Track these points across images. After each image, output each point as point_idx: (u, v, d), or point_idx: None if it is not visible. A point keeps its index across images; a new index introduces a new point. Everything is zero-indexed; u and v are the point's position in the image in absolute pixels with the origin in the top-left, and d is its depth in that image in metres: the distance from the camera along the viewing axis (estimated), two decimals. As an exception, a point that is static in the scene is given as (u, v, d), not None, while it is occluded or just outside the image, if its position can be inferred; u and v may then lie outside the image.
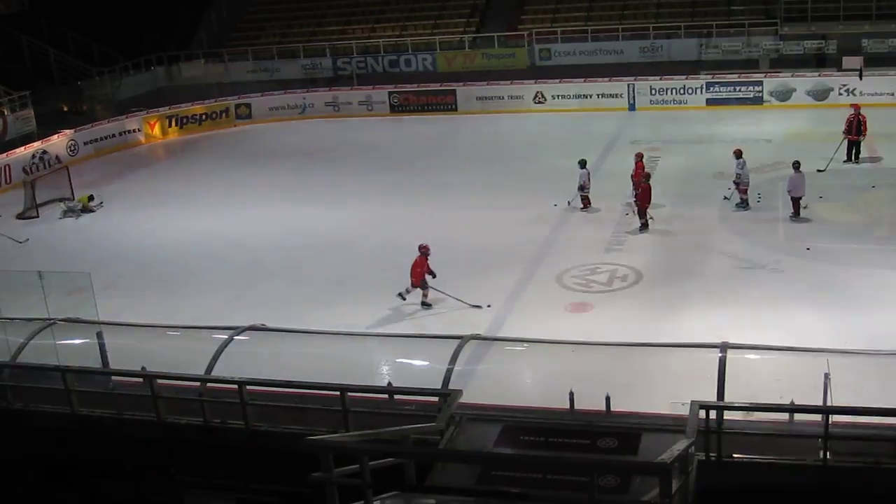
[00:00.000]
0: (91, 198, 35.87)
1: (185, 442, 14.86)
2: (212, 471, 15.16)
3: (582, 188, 30.62)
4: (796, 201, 28.37)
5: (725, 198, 30.08)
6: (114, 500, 15.97)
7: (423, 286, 24.07)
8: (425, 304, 24.06)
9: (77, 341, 17.96)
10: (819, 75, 43.60)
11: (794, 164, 28.55)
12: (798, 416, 12.71)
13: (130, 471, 15.64)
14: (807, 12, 46.05)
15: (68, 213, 35.04)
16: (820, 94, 42.95)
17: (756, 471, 12.24)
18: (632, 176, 30.33)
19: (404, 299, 23.99)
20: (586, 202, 30.74)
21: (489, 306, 23.53)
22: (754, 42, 47.14)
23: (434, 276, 24.01)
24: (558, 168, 34.17)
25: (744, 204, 29.54)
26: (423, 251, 24.24)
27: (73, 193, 36.83)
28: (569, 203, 30.81)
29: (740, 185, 29.55)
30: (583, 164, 30.67)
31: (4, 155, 40.33)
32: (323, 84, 52.23)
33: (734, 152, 29.87)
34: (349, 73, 52.87)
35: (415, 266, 24.02)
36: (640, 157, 31.13)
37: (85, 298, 19.77)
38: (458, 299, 23.75)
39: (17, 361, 16.45)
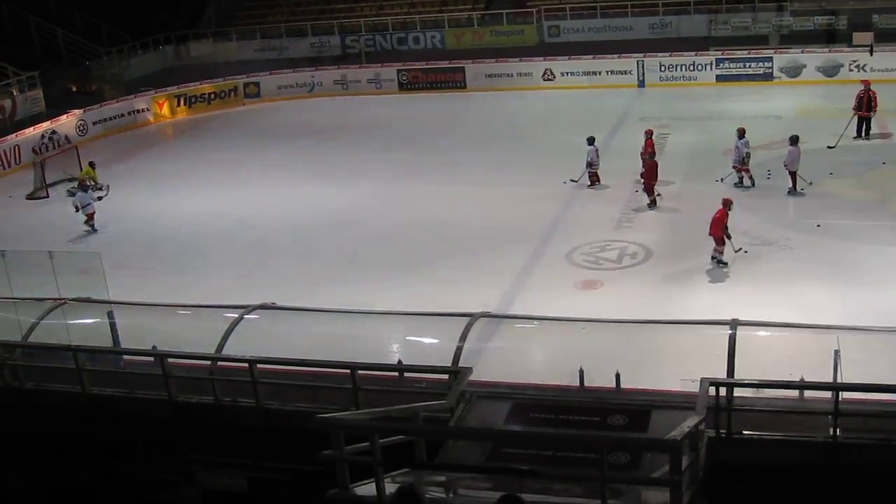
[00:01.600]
0: (92, 165, 35.44)
1: (196, 420, 14.90)
2: (223, 449, 15.18)
3: (590, 164, 30.56)
4: (794, 175, 28.32)
5: (720, 180, 29.85)
6: (125, 479, 16.02)
7: (720, 242, 23.92)
8: (719, 262, 23.95)
9: (88, 321, 18.01)
10: (829, 51, 43.38)
11: (791, 138, 28.49)
12: (808, 393, 12.69)
13: (141, 449, 15.68)
14: (817, -12, 45.91)
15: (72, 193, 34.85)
16: (830, 70, 42.75)
17: (766, 447, 12.24)
18: (641, 153, 30.24)
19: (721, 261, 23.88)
20: (595, 178, 30.69)
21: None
22: (764, 18, 46.94)
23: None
24: (568, 145, 34.08)
25: (741, 182, 29.49)
26: (726, 204, 24.14)
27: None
28: (573, 181, 30.85)
29: (743, 164, 29.38)
30: (591, 140, 30.61)
31: (14, 135, 40.43)
32: (331, 62, 52.15)
33: (738, 131, 29.66)
34: (357, 51, 52.81)
35: (715, 220, 23.96)
36: (649, 133, 31.00)
37: (95, 278, 19.83)
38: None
39: (29, 341, 16.48)
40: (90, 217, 29.98)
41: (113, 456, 15.90)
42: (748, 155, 29.27)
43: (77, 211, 29.73)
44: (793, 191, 28.34)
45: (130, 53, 52.51)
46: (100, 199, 29.49)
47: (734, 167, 29.54)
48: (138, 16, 54.83)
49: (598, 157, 30.79)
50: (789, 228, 26.08)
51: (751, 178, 29.41)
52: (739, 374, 12.69)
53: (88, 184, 33.06)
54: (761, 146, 32.19)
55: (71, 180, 35.57)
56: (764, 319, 15.02)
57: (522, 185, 31.55)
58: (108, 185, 30.78)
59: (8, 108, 42.58)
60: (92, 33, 52.37)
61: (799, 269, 23.26)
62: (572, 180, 30.60)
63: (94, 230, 29.78)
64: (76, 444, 16.07)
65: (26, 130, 41.07)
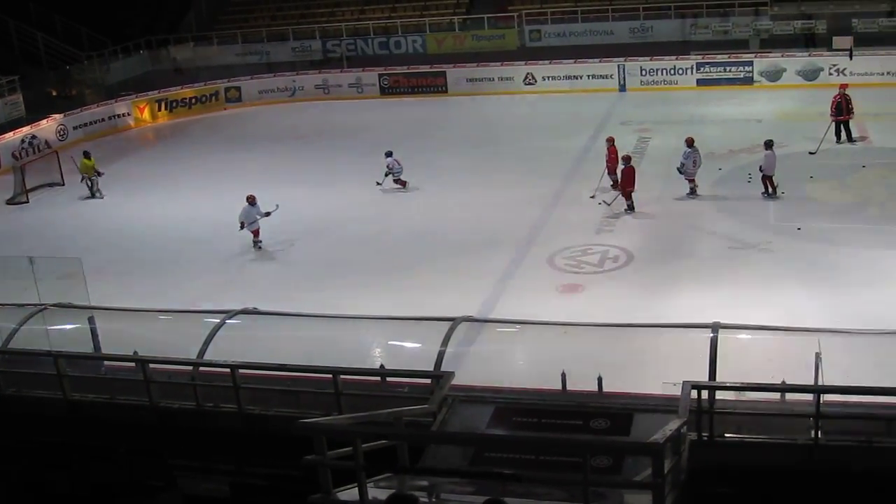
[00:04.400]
0: (87, 155, 35.68)
1: (178, 426, 14.87)
2: (205, 454, 15.15)
3: (391, 171, 32.56)
4: (769, 179, 28.43)
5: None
6: (107, 485, 15.96)
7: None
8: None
9: (69, 326, 17.94)
10: (809, 55, 43.56)
11: (766, 142, 28.64)
12: (789, 396, 12.74)
13: (123, 455, 15.62)
14: (797, -8, 46.10)
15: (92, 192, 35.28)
16: (810, 74, 42.93)
17: (748, 450, 12.27)
18: (607, 161, 30.32)
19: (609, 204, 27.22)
20: (401, 183, 32.61)
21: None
22: (744, 22, 47.16)
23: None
24: (549, 149, 34.17)
25: (692, 193, 29.42)
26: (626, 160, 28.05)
27: (62, 178, 36.84)
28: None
29: (685, 173, 29.37)
30: (389, 153, 32.95)
31: (-7, 140, 40.25)
32: (312, 66, 52.10)
33: (686, 140, 29.61)
34: (339, 56, 52.80)
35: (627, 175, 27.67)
36: (611, 141, 30.82)
37: (76, 284, 19.77)
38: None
39: (9, 347, 16.41)
40: (256, 234, 28.13)
41: (94, 462, 15.84)
42: (683, 164, 29.36)
43: (242, 228, 27.86)
44: (767, 194, 28.42)
45: (111, 58, 52.41)
46: (268, 214, 27.90)
47: (683, 175, 29.50)
48: (119, 20, 54.75)
49: (399, 165, 32.45)
50: (769, 231, 26.15)
51: (693, 188, 29.47)
52: (721, 378, 12.73)
53: (93, 177, 34.75)
54: (742, 150, 32.33)
55: (97, 174, 35.46)
56: (745, 322, 15.09)
57: (504, 190, 31.56)
58: (277, 204, 28.35)
59: (-12, 113, 42.44)
60: (72, 37, 52.27)
61: (779, 271, 23.35)
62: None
63: (260, 247, 28.10)
64: (57, 451, 16.00)
65: (6, 135, 40.86)
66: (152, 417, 14.88)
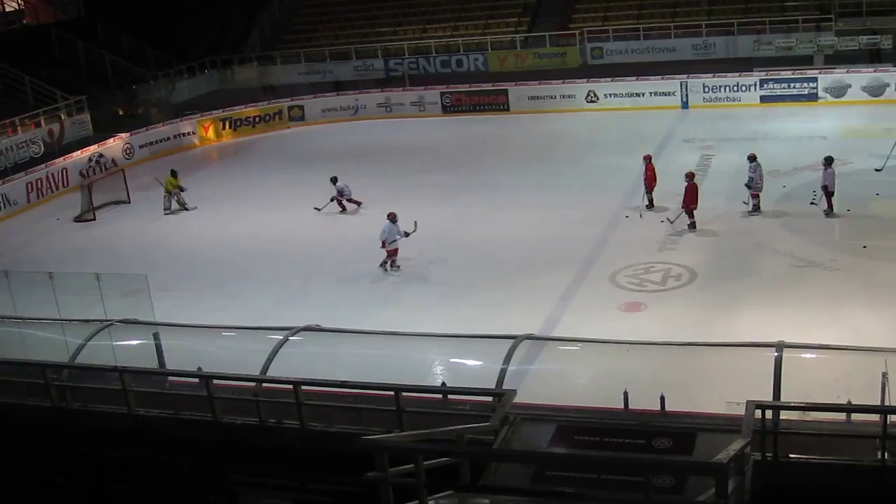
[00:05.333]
0: (174, 174, 36.70)
1: (241, 441, 14.98)
2: (267, 470, 15.27)
3: (341, 194, 33.50)
4: (829, 197, 28.13)
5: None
6: (170, 500, 16.13)
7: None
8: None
9: (134, 342, 18.18)
10: (875, 71, 43.04)
11: (825, 159, 28.27)
12: (855, 416, 12.58)
13: (187, 470, 15.78)
14: (862, 7, 45.44)
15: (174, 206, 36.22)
16: (875, 90, 42.42)
17: (812, 471, 12.14)
18: (644, 178, 30.37)
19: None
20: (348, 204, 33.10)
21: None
22: (808, 38, 46.67)
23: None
24: (611, 167, 34.07)
25: (756, 209, 29.16)
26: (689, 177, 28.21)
27: (129, 196, 37.41)
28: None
29: (753, 188, 29.17)
30: (334, 179, 33.86)
31: (62, 159, 40.92)
32: (375, 85, 52.40)
33: (748, 156, 29.50)
34: (401, 74, 53.00)
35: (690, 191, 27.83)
36: (648, 159, 30.84)
37: (142, 300, 20.01)
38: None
39: (76, 362, 16.66)
40: (392, 254, 27.27)
41: (158, 476, 16.03)
42: (750, 179, 29.16)
43: (382, 247, 27.19)
44: (828, 212, 28.09)
45: (176, 77, 53.04)
46: (407, 235, 27.18)
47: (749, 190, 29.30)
48: (184, 40, 55.47)
49: (348, 188, 33.72)
50: (835, 249, 25.87)
51: (757, 204, 29.20)
52: (785, 397, 12.61)
53: (173, 191, 35.88)
54: (806, 167, 32.01)
55: (180, 190, 36.47)
56: (810, 342, 14.92)
57: (566, 207, 31.50)
58: (415, 222, 27.71)
59: (56, 132, 43.12)
60: (139, 58, 53.07)
61: (845, 290, 23.05)
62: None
63: (395, 269, 27.23)
64: (121, 465, 16.22)
65: (74, 154, 41.57)
66: (215, 433, 15.01)
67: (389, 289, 26.08)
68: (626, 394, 13.55)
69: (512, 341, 14.82)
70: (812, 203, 28.98)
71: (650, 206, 30.10)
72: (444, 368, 15.92)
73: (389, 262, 27.24)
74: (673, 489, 11.24)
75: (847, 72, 43.32)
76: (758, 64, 45.90)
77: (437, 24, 55.55)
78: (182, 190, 36.31)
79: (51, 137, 42.69)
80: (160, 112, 49.56)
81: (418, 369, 15.71)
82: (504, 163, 38.83)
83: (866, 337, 18.63)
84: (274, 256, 29.54)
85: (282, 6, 60.22)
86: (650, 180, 30.17)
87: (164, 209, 35.86)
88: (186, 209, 35.91)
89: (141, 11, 53.29)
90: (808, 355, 14.56)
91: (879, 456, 11.90)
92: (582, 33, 50.89)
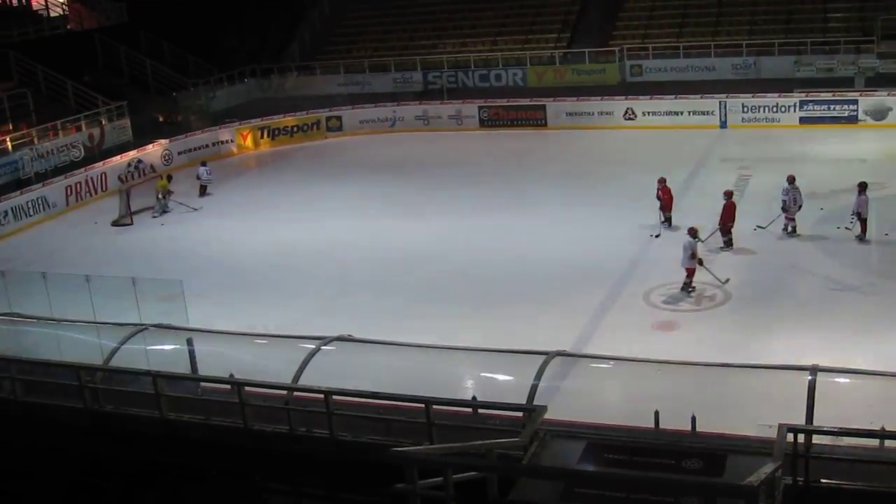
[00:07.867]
0: (169, 178, 38.11)
1: (271, 449, 15.02)
2: (296, 479, 15.30)
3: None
4: (864, 222, 27.89)
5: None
6: (198, 504, 16.21)
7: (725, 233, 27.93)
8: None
9: (168, 347, 18.28)
10: (916, 94, 42.74)
11: (859, 185, 27.99)
12: (889, 443, 12.47)
13: (216, 476, 15.85)
14: (905, 30, 45.26)
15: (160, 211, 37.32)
16: (917, 114, 42.11)
17: (844, 497, 12.03)
18: (658, 197, 30.46)
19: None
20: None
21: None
22: (849, 60, 46.37)
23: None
24: (648, 185, 33.90)
25: (793, 232, 29.01)
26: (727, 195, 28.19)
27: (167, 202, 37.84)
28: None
29: (786, 211, 29.04)
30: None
31: (101, 163, 41.41)
32: (413, 98, 52.55)
33: (787, 178, 29.35)
34: (439, 87, 53.12)
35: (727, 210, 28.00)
36: (662, 181, 30.90)
37: (176, 305, 20.15)
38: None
39: (110, 365, 16.77)
40: (690, 273, 25.28)
41: (187, 481, 16.10)
42: (784, 202, 29.07)
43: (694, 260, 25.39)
44: (862, 238, 27.87)
45: (216, 85, 53.41)
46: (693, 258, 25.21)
47: (785, 213, 29.15)
48: (225, 49, 55.93)
49: (209, 174, 38.13)
50: (872, 274, 25.72)
51: (794, 227, 29.05)
52: (818, 422, 12.51)
53: (160, 197, 37.21)
54: (845, 190, 31.75)
55: (168, 193, 38.00)
56: (845, 366, 14.81)
57: (601, 224, 31.47)
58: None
59: (97, 137, 43.62)
60: (179, 65, 53.59)
61: (881, 315, 22.87)
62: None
63: (690, 291, 25.46)
64: (151, 469, 16.30)
65: (114, 158, 42.04)
66: (245, 440, 15.06)
67: (422, 301, 26.10)
68: (657, 413, 13.48)
69: (544, 357, 14.80)
70: (847, 228, 28.69)
71: (668, 224, 30.14)
72: (474, 382, 15.91)
73: (687, 283, 25.52)
74: (702, 511, 11.18)
75: (888, 94, 42.93)
76: (798, 85, 45.60)
77: (477, 39, 55.69)
78: (170, 192, 37.59)
79: (91, 142, 43.21)
80: (199, 119, 49.95)
81: (449, 382, 15.70)
82: (540, 178, 38.81)
83: (902, 363, 18.44)
84: (308, 265, 29.68)
85: (322, 17, 60.59)
86: (668, 201, 30.25)
87: (153, 213, 37.17)
88: (167, 211, 37.29)
89: (183, 19, 53.81)
90: (842, 380, 14.44)
91: (913, 483, 11.80)
92: (622, 50, 50.87)
